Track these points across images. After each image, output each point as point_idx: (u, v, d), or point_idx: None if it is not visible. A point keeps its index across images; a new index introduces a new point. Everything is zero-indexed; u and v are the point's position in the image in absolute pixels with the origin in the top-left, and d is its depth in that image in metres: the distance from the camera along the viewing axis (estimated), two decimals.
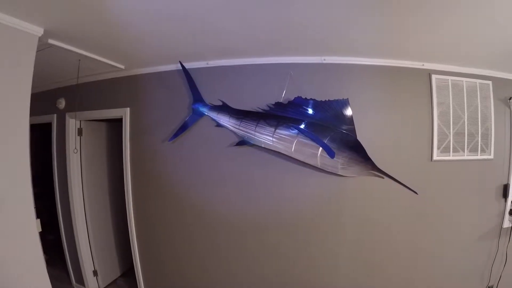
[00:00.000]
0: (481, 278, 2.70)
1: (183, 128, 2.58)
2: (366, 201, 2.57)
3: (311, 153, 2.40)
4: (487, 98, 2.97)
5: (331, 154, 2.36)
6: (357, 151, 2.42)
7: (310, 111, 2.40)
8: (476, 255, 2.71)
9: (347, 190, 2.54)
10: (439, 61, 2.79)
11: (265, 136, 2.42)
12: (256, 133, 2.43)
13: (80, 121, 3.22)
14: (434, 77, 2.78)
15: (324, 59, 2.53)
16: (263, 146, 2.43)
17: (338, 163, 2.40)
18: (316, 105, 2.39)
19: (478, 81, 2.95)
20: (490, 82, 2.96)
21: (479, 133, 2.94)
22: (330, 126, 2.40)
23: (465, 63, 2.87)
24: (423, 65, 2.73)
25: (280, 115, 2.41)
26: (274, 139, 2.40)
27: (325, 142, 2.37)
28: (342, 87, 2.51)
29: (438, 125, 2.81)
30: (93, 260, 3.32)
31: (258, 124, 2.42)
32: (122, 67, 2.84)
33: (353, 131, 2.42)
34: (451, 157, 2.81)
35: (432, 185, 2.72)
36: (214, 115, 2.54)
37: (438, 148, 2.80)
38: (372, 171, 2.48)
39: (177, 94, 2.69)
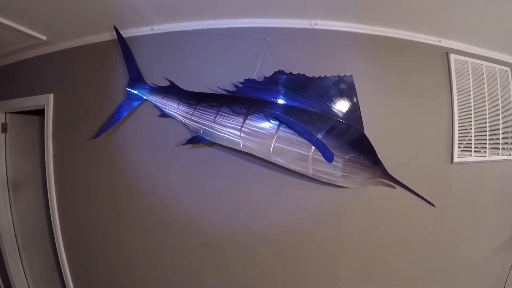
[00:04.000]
0: None
1: (113, 120, 1.36)
2: (372, 219, 1.51)
3: (299, 155, 1.21)
4: (506, 88, 1.86)
5: (329, 157, 1.17)
6: (364, 152, 1.26)
7: (297, 92, 1.20)
8: (489, 269, 1.85)
9: (348, 207, 1.40)
10: (457, 39, 1.75)
11: (230, 130, 1.22)
12: (217, 126, 1.23)
13: (5, 113, 1.91)
14: (452, 57, 1.67)
15: (316, 23, 1.36)
16: (226, 144, 1.21)
17: (338, 169, 1.23)
18: (306, 83, 1.21)
19: (498, 66, 1.87)
20: (508, 69, 1.87)
21: (500, 129, 1.80)
22: (326, 115, 1.20)
23: (484, 44, 1.83)
24: (439, 41, 1.69)
25: (253, 97, 1.21)
26: (243, 135, 1.20)
27: (319, 138, 1.17)
28: (341, 62, 1.36)
29: (459, 118, 1.65)
30: None
31: (220, 112, 1.22)
32: (44, 38, 1.62)
33: (358, 122, 1.23)
34: (472, 158, 1.72)
35: (450, 194, 1.69)
36: (157, 100, 1.33)
37: (459, 147, 1.63)
38: (381, 179, 1.34)
39: (113, 72, 1.46)
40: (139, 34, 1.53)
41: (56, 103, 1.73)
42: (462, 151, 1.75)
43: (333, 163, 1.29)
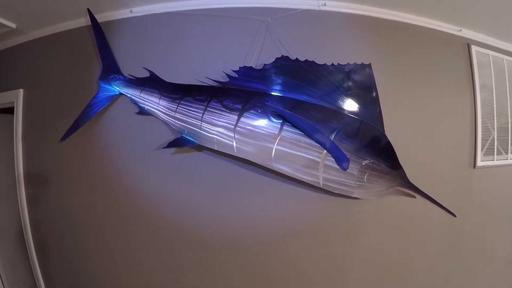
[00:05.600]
0: None
1: (82, 120, 1.01)
2: (387, 231, 1.17)
3: (307, 162, 0.86)
4: None
5: (343, 162, 0.81)
6: (384, 157, 0.90)
7: (305, 82, 0.84)
8: (506, 280, 1.45)
9: (362, 218, 1.03)
10: (478, 29, 1.43)
11: (221, 130, 0.86)
12: (205, 125, 0.87)
13: None
14: (474, 49, 1.31)
15: (324, 4, 1.01)
16: (216, 148, 0.85)
17: (353, 177, 0.88)
18: (316, 72, 0.84)
19: None
20: None
21: None
22: (339, 111, 0.85)
23: (505, 37, 1.51)
24: (460, 30, 1.38)
25: (250, 89, 0.85)
26: (237, 136, 0.84)
27: (332, 139, 0.82)
28: (352, 50, 0.99)
29: (482, 117, 1.31)
30: None
31: (209, 108, 0.87)
32: (13, 26, 1.27)
33: (378, 120, 0.88)
34: (495, 161, 1.35)
35: (472, 202, 1.35)
36: (135, 94, 0.97)
37: (482, 149, 1.29)
38: (400, 188, 0.98)
39: (90, 63, 1.10)
40: (117, 17, 1.19)
41: (26, 99, 1.38)
42: (485, 154, 1.42)
43: (348, 170, 0.94)
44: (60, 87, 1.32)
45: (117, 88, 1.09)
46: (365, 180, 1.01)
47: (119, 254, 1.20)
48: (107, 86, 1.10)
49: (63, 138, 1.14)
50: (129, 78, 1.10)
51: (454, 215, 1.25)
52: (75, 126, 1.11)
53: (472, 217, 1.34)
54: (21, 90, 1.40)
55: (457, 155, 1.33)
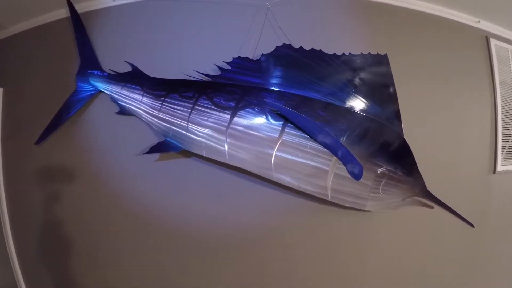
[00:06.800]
0: None
1: (57, 121, 0.82)
2: (403, 252, 0.98)
3: (313, 170, 0.65)
4: None
5: (356, 171, 0.59)
6: (402, 163, 0.68)
7: (310, 75, 0.63)
8: None
9: (374, 238, 0.80)
10: (497, 21, 1.24)
11: (210, 132, 0.65)
12: (192, 126, 0.66)
13: None
14: (493, 42, 1.07)
15: None
16: (205, 154, 0.64)
17: (367, 188, 0.66)
18: (324, 62, 0.62)
19: None
20: None
21: None
22: (351, 110, 0.64)
23: None
24: (478, 21, 1.17)
25: (245, 83, 0.64)
26: (229, 139, 0.64)
27: (343, 143, 0.60)
28: (365, 38, 0.77)
29: (502, 117, 1.10)
30: None
31: (197, 106, 0.66)
32: None
33: (396, 120, 0.66)
34: None
35: (492, 211, 1.16)
36: (115, 91, 0.78)
37: (502, 152, 1.08)
38: (418, 198, 0.73)
39: (70, 58, 0.89)
40: (98, 7, 1.00)
41: (6, 99, 1.19)
42: (505, 158, 1.22)
43: (361, 180, 0.74)
44: (43, 85, 1.13)
45: (96, 85, 0.90)
46: (380, 191, 0.81)
47: (107, 256, 1.01)
48: (84, 83, 0.91)
49: (38, 141, 0.96)
50: (108, 74, 0.91)
51: (472, 225, 1.05)
52: (50, 129, 0.92)
53: (492, 226, 1.14)
54: (1, 90, 1.22)
55: (476, 159, 1.14)
